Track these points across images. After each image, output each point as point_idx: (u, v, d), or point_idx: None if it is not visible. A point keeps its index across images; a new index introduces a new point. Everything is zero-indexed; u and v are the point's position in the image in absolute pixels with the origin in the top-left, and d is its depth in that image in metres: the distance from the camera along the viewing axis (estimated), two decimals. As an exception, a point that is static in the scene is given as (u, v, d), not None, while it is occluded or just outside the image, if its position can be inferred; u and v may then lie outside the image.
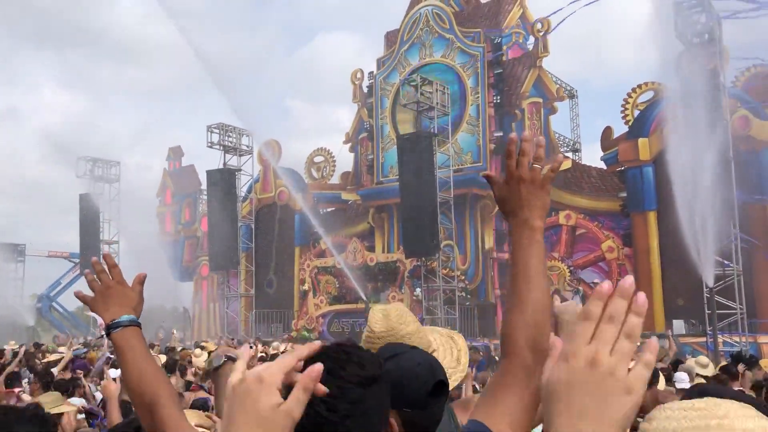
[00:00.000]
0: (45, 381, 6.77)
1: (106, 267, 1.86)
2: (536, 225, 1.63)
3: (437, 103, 24.79)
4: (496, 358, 10.59)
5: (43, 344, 18.52)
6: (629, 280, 0.77)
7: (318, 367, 0.90)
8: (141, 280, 1.88)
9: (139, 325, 1.81)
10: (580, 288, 22.74)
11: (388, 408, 1.25)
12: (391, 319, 2.14)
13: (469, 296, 25.50)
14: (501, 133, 26.50)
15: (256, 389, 0.88)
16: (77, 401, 5.41)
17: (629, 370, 0.74)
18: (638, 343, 0.77)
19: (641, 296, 0.76)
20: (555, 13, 26.37)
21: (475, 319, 24.43)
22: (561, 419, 0.75)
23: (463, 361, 2.26)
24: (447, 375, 1.78)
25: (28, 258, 37.96)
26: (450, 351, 2.28)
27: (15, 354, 10.44)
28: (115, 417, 3.82)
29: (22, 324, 36.89)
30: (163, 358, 9.85)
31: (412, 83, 24.90)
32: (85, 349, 12.96)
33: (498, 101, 26.83)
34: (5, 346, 13.21)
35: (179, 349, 13.22)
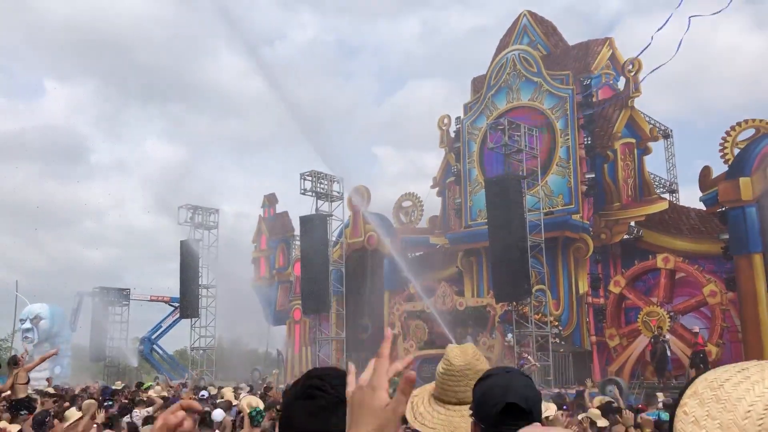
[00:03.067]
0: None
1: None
2: None
3: (525, 146, 24.59)
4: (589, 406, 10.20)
5: (147, 384, 19.25)
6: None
7: (412, 375, 1.18)
8: None
9: None
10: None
11: None
12: (468, 354, 2.31)
13: (563, 342, 24.73)
14: (593, 175, 25.97)
15: (369, 394, 1.18)
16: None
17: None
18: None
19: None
20: (642, 51, 25.79)
21: (569, 366, 23.61)
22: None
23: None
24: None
25: (132, 302, 39.82)
26: None
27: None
28: None
29: (126, 366, 38.57)
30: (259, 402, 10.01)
31: (499, 127, 24.86)
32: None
33: (589, 142, 26.38)
34: (114, 386, 13.82)
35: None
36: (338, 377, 1.40)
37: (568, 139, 26.58)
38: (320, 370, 1.44)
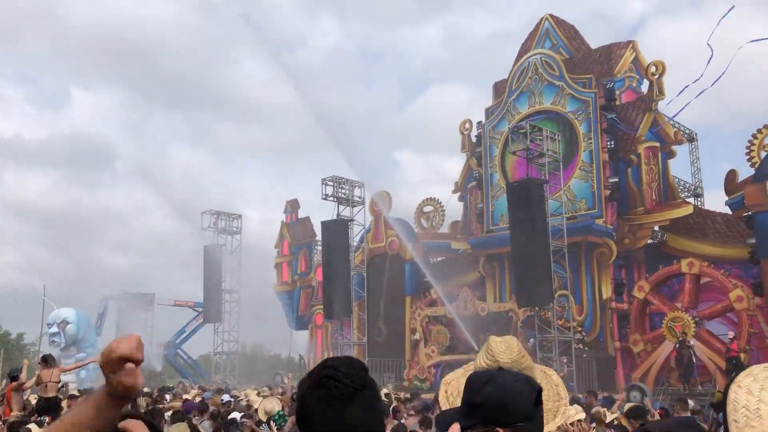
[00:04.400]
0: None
1: None
2: None
3: (548, 150, 24.44)
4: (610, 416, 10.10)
5: (172, 386, 19.40)
6: None
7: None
8: None
9: None
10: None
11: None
12: (514, 351, 2.20)
13: (586, 348, 24.50)
14: (617, 179, 25.73)
15: None
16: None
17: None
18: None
19: None
20: (708, 63, 25.07)
21: (593, 372, 23.36)
22: None
23: (563, 394, 2.31)
24: (554, 412, 2.13)
25: (156, 307, 40.19)
26: (549, 385, 2.32)
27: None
28: None
29: (151, 370, 38.89)
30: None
31: (521, 131, 24.74)
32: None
33: (612, 146, 26.14)
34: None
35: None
36: (352, 367, 1.42)
37: (591, 143, 26.38)
38: (334, 360, 1.46)
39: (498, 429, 1.55)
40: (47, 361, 9.91)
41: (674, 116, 26.98)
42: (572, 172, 26.41)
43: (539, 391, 1.60)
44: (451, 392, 2.27)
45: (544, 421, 2.21)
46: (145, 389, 14.37)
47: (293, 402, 11.61)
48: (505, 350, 2.20)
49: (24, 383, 9.61)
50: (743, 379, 0.89)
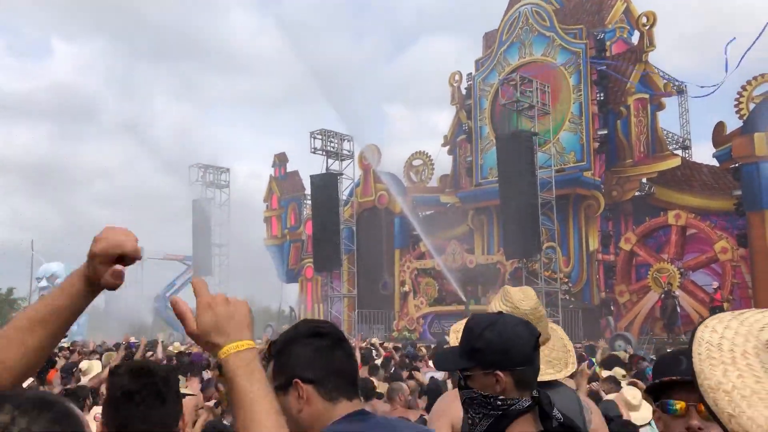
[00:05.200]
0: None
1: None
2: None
3: (537, 102, 24.32)
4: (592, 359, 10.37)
5: (161, 340, 19.52)
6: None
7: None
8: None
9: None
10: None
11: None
12: (532, 298, 2.34)
13: (572, 299, 24.87)
14: (606, 131, 25.71)
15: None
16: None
17: None
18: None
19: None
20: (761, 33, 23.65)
21: (579, 321, 23.77)
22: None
23: (569, 347, 2.42)
24: (564, 361, 2.26)
25: (146, 261, 40.22)
26: (556, 337, 2.42)
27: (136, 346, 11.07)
28: None
29: (141, 323, 39.16)
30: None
31: (511, 82, 24.56)
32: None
33: (602, 98, 26.07)
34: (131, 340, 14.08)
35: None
36: (331, 324, 1.62)
37: (580, 95, 26.26)
38: (314, 320, 1.64)
39: (498, 372, 1.59)
40: None
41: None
42: (562, 124, 26.34)
43: (538, 336, 1.65)
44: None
45: (555, 369, 2.29)
46: (132, 339, 14.48)
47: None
48: (524, 298, 2.32)
49: None
50: (710, 321, 0.96)
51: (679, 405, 1.60)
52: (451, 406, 2.42)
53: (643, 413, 4.77)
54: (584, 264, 25.68)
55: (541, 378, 2.01)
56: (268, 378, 1.37)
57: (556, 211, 24.08)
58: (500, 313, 1.80)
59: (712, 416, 0.91)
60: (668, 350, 2.11)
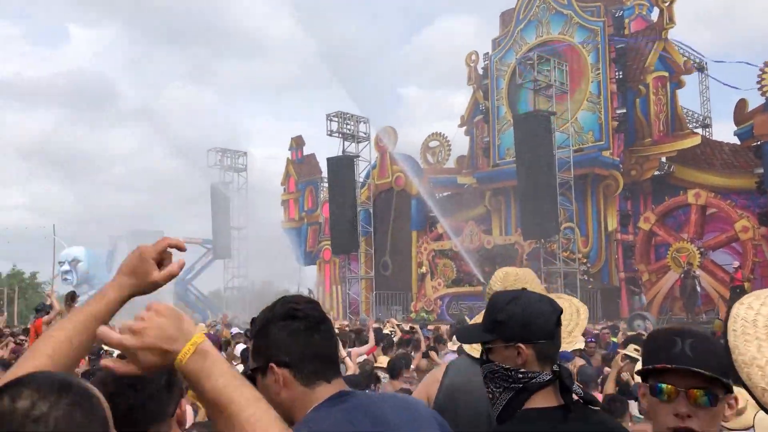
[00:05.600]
0: None
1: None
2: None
3: (555, 81, 24.11)
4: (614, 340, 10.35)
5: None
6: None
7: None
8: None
9: None
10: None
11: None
12: (509, 279, 2.40)
13: (591, 279, 24.77)
14: (624, 110, 25.47)
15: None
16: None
17: None
18: None
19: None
20: None
21: (598, 303, 23.67)
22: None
23: (581, 318, 2.39)
24: (575, 322, 2.28)
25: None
26: (572, 309, 2.41)
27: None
28: None
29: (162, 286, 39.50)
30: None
31: (528, 62, 24.35)
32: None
33: (620, 77, 25.79)
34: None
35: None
36: (310, 302, 1.56)
37: (599, 73, 25.98)
38: (292, 297, 1.57)
39: (520, 345, 1.61)
40: (74, 298, 9.42)
41: None
42: (580, 103, 26.11)
43: (560, 312, 1.67)
44: None
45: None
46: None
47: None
48: (499, 279, 2.39)
49: (53, 316, 9.17)
50: (746, 298, 0.98)
51: (667, 389, 1.51)
52: (430, 386, 2.62)
53: None
54: (603, 244, 25.54)
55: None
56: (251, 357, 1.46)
57: (575, 191, 23.97)
58: (524, 289, 1.82)
59: (747, 390, 0.93)
60: (662, 327, 2.02)
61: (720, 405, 1.50)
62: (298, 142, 37.24)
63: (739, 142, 23.61)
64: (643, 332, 11.70)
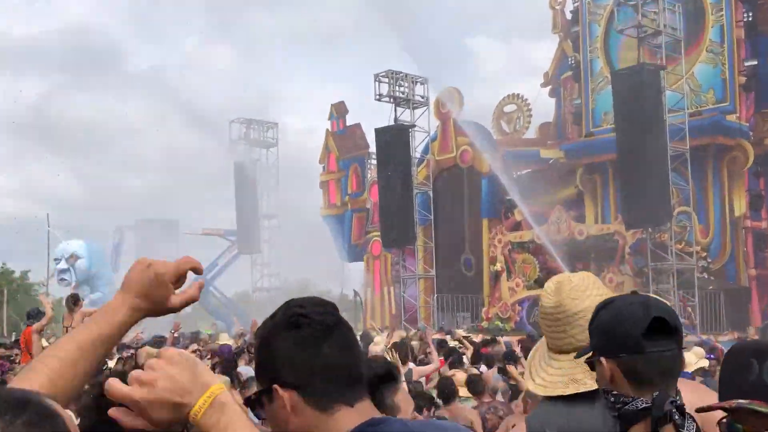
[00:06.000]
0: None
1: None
2: None
3: (665, 26, 23.74)
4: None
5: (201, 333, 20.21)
6: None
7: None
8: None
9: None
10: None
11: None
12: (563, 291, 2.28)
13: (712, 278, 24.47)
14: (755, 62, 25.01)
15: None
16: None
17: None
18: None
19: None
20: None
21: (720, 307, 23.33)
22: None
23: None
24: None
25: (181, 237, 41.45)
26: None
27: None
28: None
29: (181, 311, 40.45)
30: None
31: (630, 2, 24.04)
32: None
33: (750, 19, 25.48)
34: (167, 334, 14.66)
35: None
36: (321, 305, 1.51)
37: (721, 15, 25.52)
38: (298, 300, 1.55)
39: (601, 359, 1.60)
40: (77, 302, 9.85)
41: None
42: (697, 55, 25.68)
43: (657, 318, 1.58)
44: (533, 355, 2.46)
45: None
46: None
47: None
48: (551, 292, 2.33)
49: (44, 323, 9.70)
50: None
51: (745, 430, 1.44)
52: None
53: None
54: (727, 234, 25.19)
55: (560, 392, 2.10)
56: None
57: (691, 166, 23.69)
58: (634, 292, 1.80)
59: None
60: (742, 342, 1.94)
61: None
62: (339, 110, 37.47)
63: None
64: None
